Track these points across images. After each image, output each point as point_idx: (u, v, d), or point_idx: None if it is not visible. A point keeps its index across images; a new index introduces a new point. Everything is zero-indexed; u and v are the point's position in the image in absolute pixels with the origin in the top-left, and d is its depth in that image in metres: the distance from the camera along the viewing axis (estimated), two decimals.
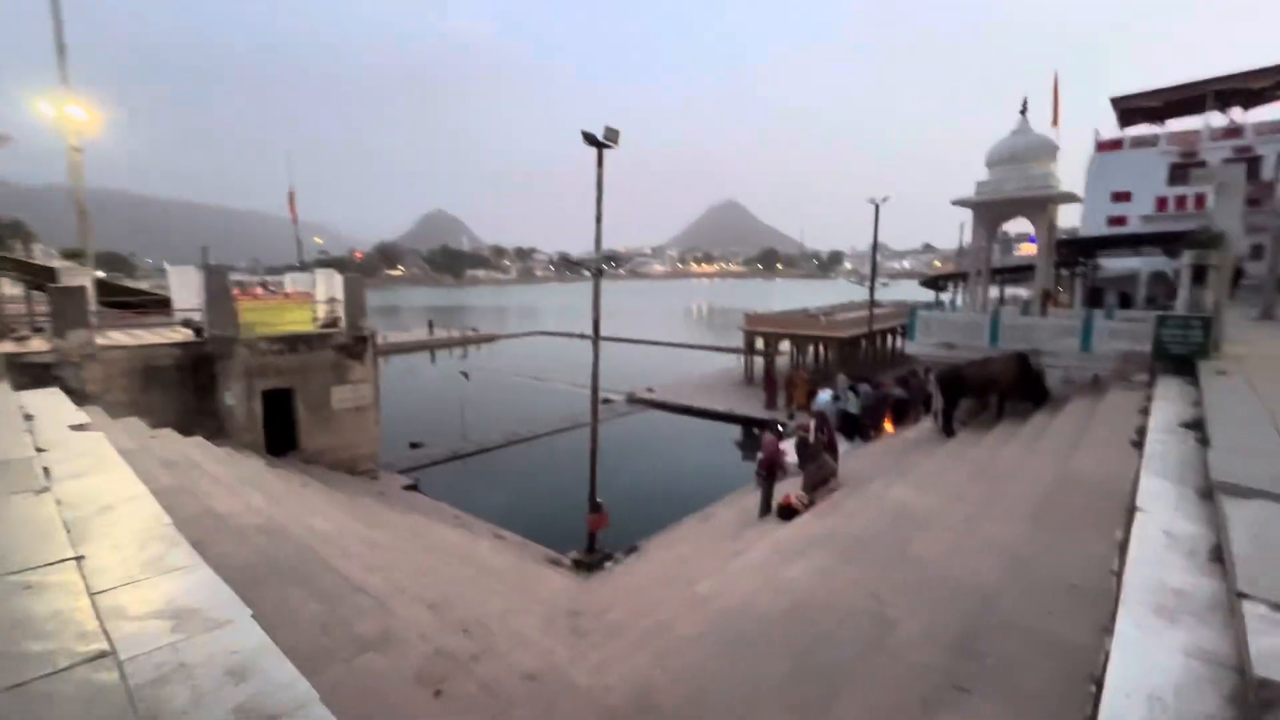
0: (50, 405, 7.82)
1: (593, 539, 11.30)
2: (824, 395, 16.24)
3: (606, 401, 25.44)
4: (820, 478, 9.50)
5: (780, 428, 10.38)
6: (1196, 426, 6.36)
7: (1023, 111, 11.73)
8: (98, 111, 17.00)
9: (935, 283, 24.10)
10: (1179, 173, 30.93)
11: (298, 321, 14.42)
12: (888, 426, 13.56)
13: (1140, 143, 31.83)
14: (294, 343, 14.05)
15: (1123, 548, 4.08)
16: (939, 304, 16.10)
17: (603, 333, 12.15)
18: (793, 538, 7.65)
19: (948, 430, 11.28)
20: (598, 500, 11.43)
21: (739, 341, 41.77)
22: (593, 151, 10.74)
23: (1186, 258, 10.00)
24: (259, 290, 16.44)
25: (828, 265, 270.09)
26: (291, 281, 17.72)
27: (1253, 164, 29.60)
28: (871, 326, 22.09)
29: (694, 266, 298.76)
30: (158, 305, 17.22)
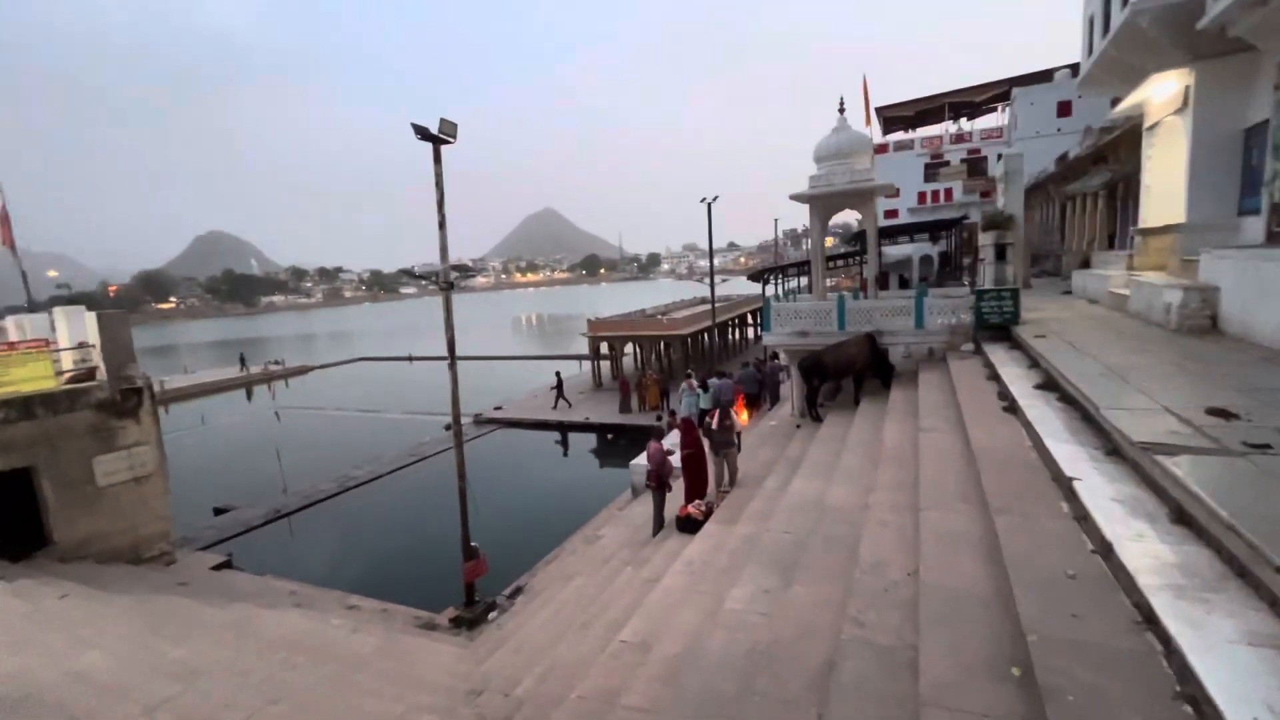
0: None
1: (470, 589, 9.85)
2: (687, 398, 16.19)
3: (449, 427, 23.32)
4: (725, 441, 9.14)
5: (663, 431, 9.82)
6: (1051, 388, 6.91)
7: (840, 110, 12.49)
8: None
9: (761, 276, 25.61)
10: (931, 171, 36.55)
11: (31, 378, 10.85)
12: (741, 417, 13.70)
13: (901, 146, 37.06)
14: (28, 407, 10.54)
15: (1081, 521, 4.02)
16: (791, 294, 16.91)
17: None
18: (706, 552, 7.10)
19: (814, 415, 11.65)
20: (472, 544, 9.98)
21: (579, 348, 41.56)
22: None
23: (987, 238, 11.25)
24: None
25: (647, 267, 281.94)
26: (17, 327, 13.44)
27: (980, 163, 35.95)
28: (715, 320, 22.70)
29: (518, 276, 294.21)
30: None
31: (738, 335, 37.28)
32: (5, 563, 9.66)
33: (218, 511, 16.51)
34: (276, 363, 45.98)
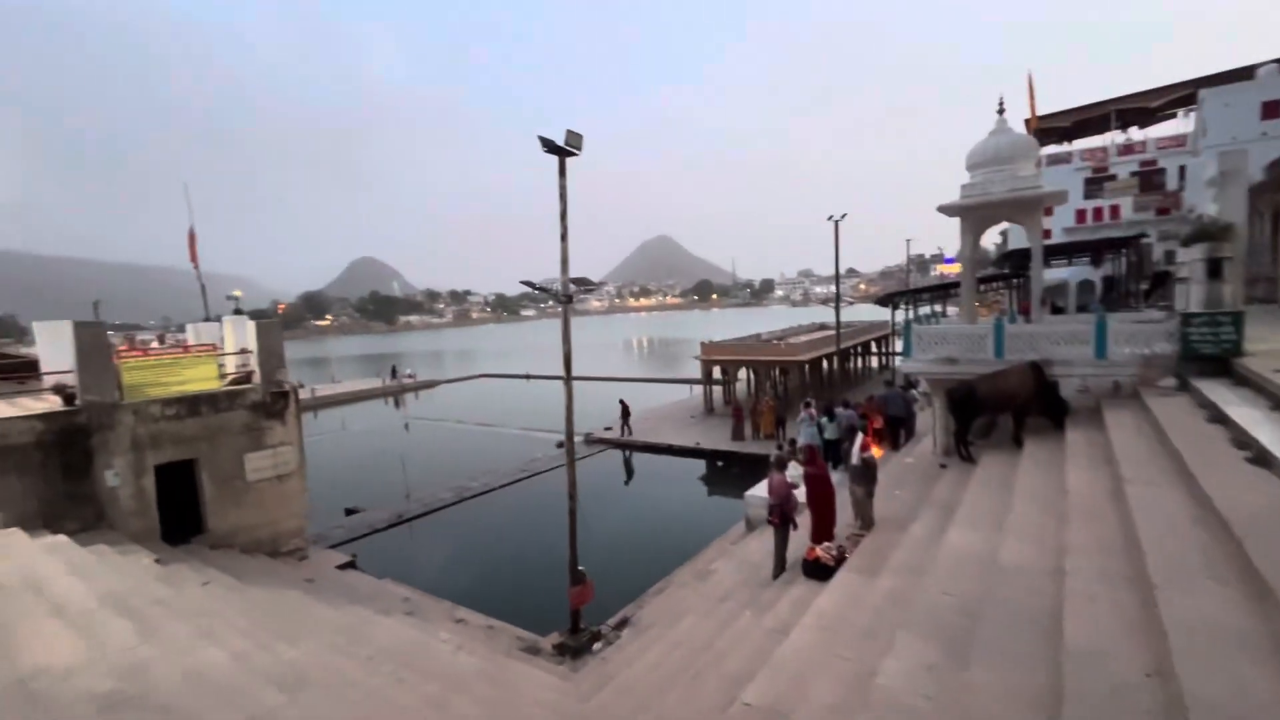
0: None
1: (576, 616, 9.40)
2: (806, 428, 15.09)
3: (561, 445, 23.52)
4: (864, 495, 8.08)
5: (784, 461, 8.90)
6: None
7: (1000, 111, 11.12)
8: None
9: (890, 300, 23.74)
10: (1093, 186, 32.51)
11: (200, 379, 12.01)
12: (875, 450, 12.31)
13: (1056, 160, 33.34)
14: (195, 404, 11.62)
15: None
16: (933, 316, 15.34)
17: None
18: (841, 606, 6.12)
19: (964, 453, 10.17)
20: (579, 569, 9.56)
21: (689, 372, 41.04)
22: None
23: (1195, 252, 9.35)
24: (153, 345, 13.85)
25: (760, 293, 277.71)
26: (194, 333, 15.15)
27: (1156, 176, 31.47)
28: (839, 345, 21.23)
29: (631, 301, 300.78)
30: (22, 370, 14.24)
31: (860, 363, 34.93)
32: (166, 546, 10.57)
33: (349, 512, 17.50)
34: (409, 376, 49.59)
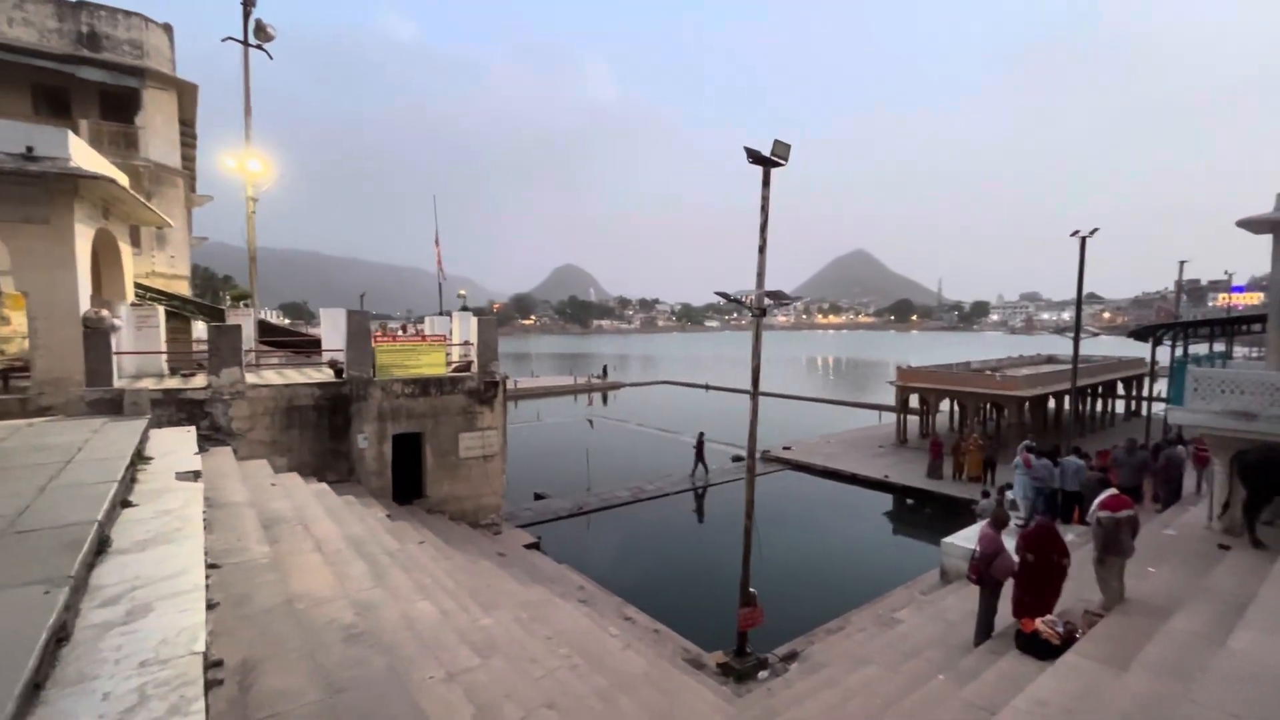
0: (174, 446, 7.22)
1: (743, 638, 9.13)
2: (1021, 477, 13.18)
3: (737, 459, 23.24)
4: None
5: (1002, 520, 7.70)
6: None
7: None
8: (272, 164, 18.36)
9: (1152, 333, 19.62)
10: None
11: (431, 364, 13.94)
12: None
13: None
14: (426, 386, 13.51)
15: None
16: (1217, 357, 12.42)
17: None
18: (1071, 698, 5.11)
19: (1254, 536, 8.00)
20: (750, 590, 9.28)
21: (879, 398, 38.09)
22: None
23: None
24: (399, 333, 16.49)
25: (970, 316, 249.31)
26: (430, 325, 17.69)
27: None
28: (1075, 383, 18.10)
29: (819, 317, 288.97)
30: (310, 346, 17.81)
31: (1102, 406, 29.48)
32: (394, 504, 12.41)
33: (537, 496, 19.07)
34: (598, 377, 52.90)
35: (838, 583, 13.40)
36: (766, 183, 8.87)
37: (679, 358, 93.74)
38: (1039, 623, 6.60)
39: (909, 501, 19.73)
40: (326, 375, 13.56)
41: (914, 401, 26.11)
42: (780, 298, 9.50)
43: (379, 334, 15.26)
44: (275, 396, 12.17)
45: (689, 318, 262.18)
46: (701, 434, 22.33)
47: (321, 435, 12.63)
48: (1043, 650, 6.31)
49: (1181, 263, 31.68)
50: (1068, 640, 6.33)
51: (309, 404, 12.50)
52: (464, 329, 15.71)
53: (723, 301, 10.52)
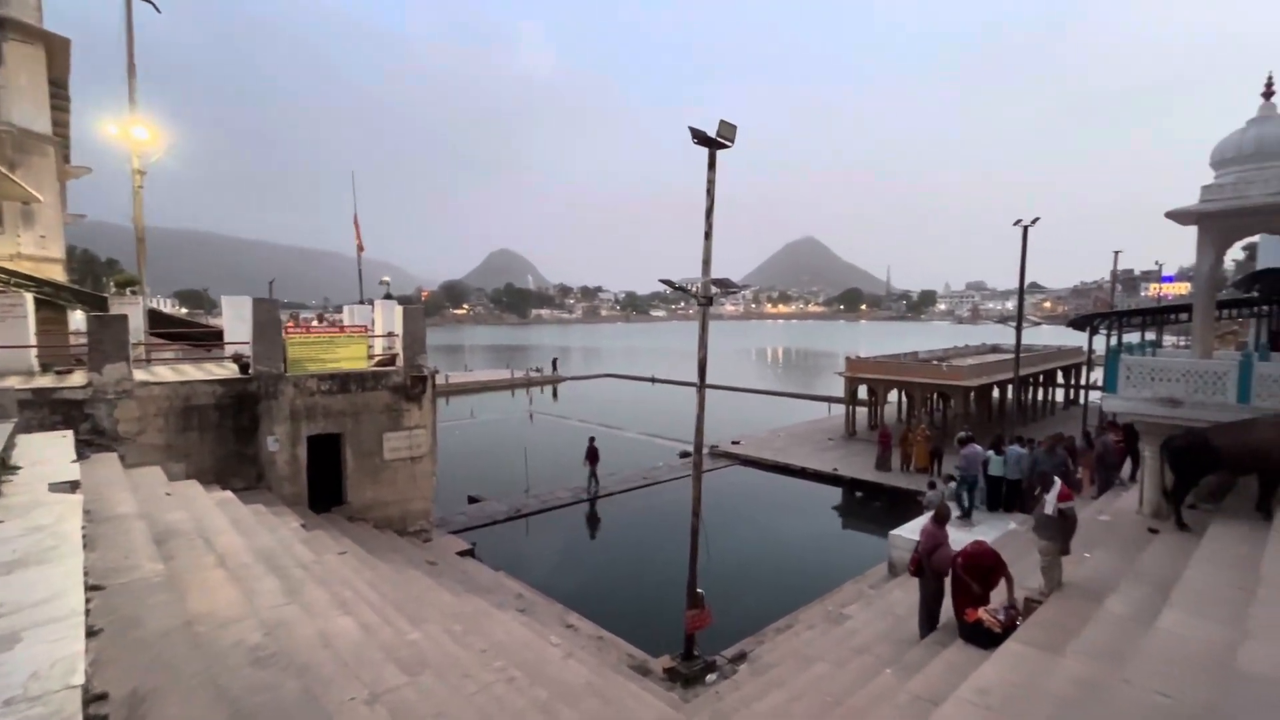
0: (47, 454, 6.71)
1: (690, 641, 9.29)
2: (984, 452, 14.00)
3: (685, 455, 23.51)
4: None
5: (944, 515, 8.11)
6: None
7: (1267, 94, 9.39)
8: (162, 132, 17.18)
9: (1088, 323, 21.04)
10: None
11: (351, 358, 13.45)
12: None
13: None
14: (345, 382, 13.03)
15: None
16: (1147, 345, 13.38)
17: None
18: (1012, 685, 5.45)
19: (1179, 519, 8.71)
20: (698, 591, 9.44)
21: (829, 389, 39.33)
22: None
23: None
24: (314, 323, 15.79)
25: (918, 306, 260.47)
26: (349, 314, 17.04)
27: None
28: (1018, 372, 19.21)
29: (769, 306, 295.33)
30: (211, 338, 16.85)
31: (1043, 395, 31.40)
32: (310, 512, 11.94)
33: (471, 500, 18.75)
34: (535, 370, 52.34)
35: (787, 580, 13.80)
36: (712, 165, 8.97)
37: (623, 349, 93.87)
38: (981, 612, 7.00)
39: (858, 494, 20.50)
40: (231, 371, 12.87)
41: (863, 393, 27.09)
42: (728, 286, 9.66)
43: (291, 324, 14.61)
44: (170, 395, 11.46)
45: (634, 307, 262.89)
46: (593, 439, 20.22)
47: (225, 438, 11.99)
48: (985, 639, 6.70)
49: (1116, 253, 34.09)
50: (1009, 628, 6.74)
51: (210, 403, 11.83)
52: (388, 319, 15.21)
53: (668, 290, 10.60)
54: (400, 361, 14.00)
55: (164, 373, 12.90)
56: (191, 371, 13.17)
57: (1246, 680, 4.25)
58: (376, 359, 14.50)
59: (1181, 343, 27.29)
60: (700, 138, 8.78)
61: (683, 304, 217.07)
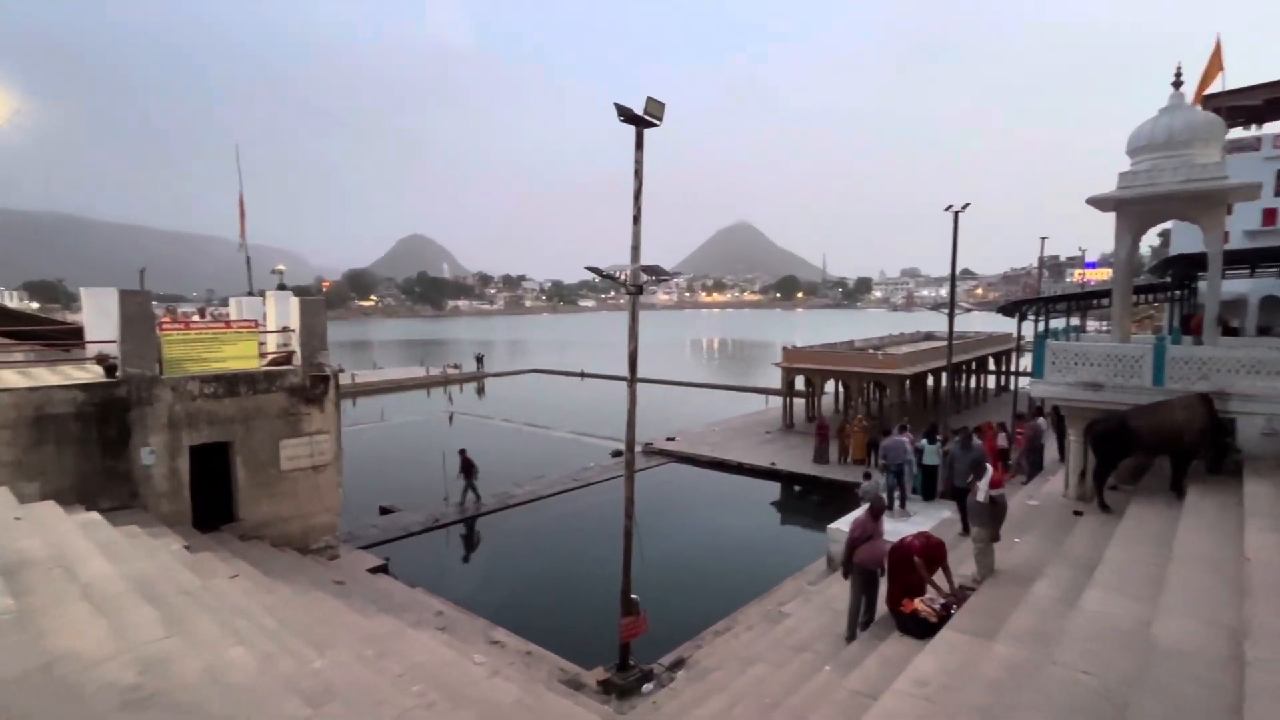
0: None
1: (625, 650, 9.37)
2: (916, 441, 14.67)
3: (617, 454, 23.61)
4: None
5: (879, 509, 8.48)
6: None
7: (1176, 84, 10.27)
8: (4, 97, 15.66)
9: (1017, 309, 22.48)
10: None
11: (240, 357, 12.72)
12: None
13: (1240, 147, 30.67)
14: (234, 384, 12.32)
15: None
16: (1071, 331, 14.41)
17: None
18: (948, 674, 5.79)
19: (1102, 501, 9.47)
20: (633, 597, 9.52)
21: (766, 380, 40.39)
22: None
23: None
24: (195, 318, 14.82)
25: (854, 293, 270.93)
26: (236, 308, 16.12)
27: None
28: (951, 360, 20.33)
29: (703, 295, 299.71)
30: (68, 337, 15.57)
31: (976, 382, 33.33)
32: (196, 532, 11.26)
33: (383, 511, 18.18)
34: (453, 367, 51.19)
35: (725, 580, 14.11)
36: (640, 145, 9.01)
37: (550, 342, 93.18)
38: (918, 603, 7.40)
39: (796, 489, 21.18)
40: (95, 374, 11.91)
41: (800, 384, 27.96)
42: (659, 273, 9.73)
43: (167, 319, 13.69)
44: (18, 404, 10.50)
45: (560, 297, 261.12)
46: (464, 450, 19.10)
47: (89, 451, 11.10)
48: (922, 629, 7.09)
49: (1043, 239, 36.54)
50: (944, 617, 7.15)
51: (69, 411, 10.92)
52: (282, 312, 14.49)
53: (597, 279, 10.59)
54: (298, 360, 13.38)
55: (10, 378, 11.81)
56: (45, 375, 12.12)
57: (1161, 653, 4.69)
58: (270, 358, 13.79)
59: (1104, 328, 29.65)
60: (627, 115, 8.78)
61: (613, 293, 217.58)
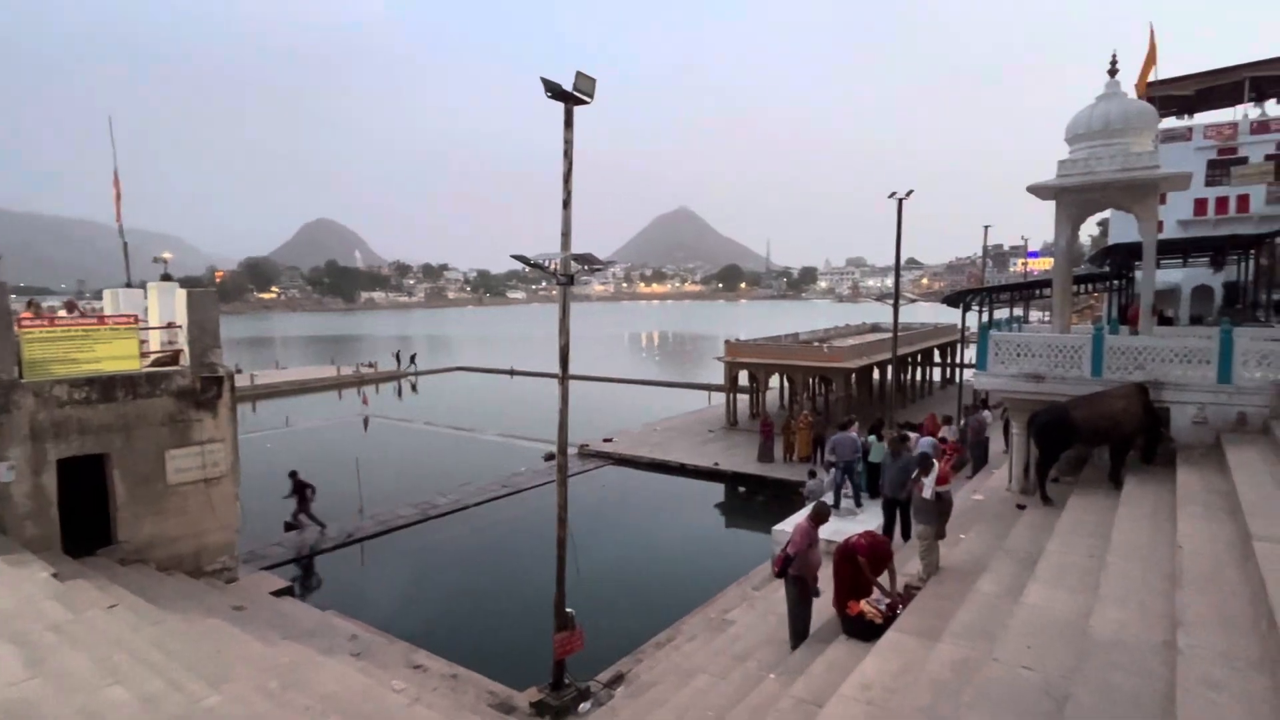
0: None
1: (560, 667, 9.34)
2: (841, 440, 15.09)
3: (549, 458, 23.49)
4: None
5: (823, 514, 8.69)
6: None
7: (1112, 71, 10.93)
8: None
9: (962, 300, 23.51)
10: (1217, 171, 32.06)
11: (117, 356, 12.01)
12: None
13: (1172, 136, 32.90)
14: (110, 387, 11.63)
15: None
16: (1013, 321, 15.16)
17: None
18: (893, 675, 6.02)
19: (1044, 494, 10.01)
20: (567, 610, 9.49)
21: (708, 376, 40.99)
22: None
23: None
24: (61, 314, 13.89)
25: (799, 283, 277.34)
26: (112, 301, 15.19)
27: None
28: (896, 352, 21.10)
29: (642, 286, 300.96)
30: None
31: (922, 375, 34.69)
32: (67, 558, 10.59)
33: (288, 527, 17.52)
34: (369, 365, 49.77)
35: (667, 589, 14.24)
36: (569, 124, 8.95)
37: (477, 337, 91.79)
38: (863, 604, 7.66)
39: (741, 489, 21.58)
40: None
41: (744, 379, 28.46)
42: (592, 262, 9.70)
43: (28, 315, 12.77)
44: None
45: (487, 288, 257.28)
46: (295, 472, 17.68)
47: None
48: (868, 631, 7.34)
49: (986, 228, 38.23)
50: (890, 618, 7.43)
51: None
52: (167, 306, 13.75)
53: (525, 269, 10.45)
54: (186, 359, 12.74)
55: None
56: None
57: (1099, 645, 5.00)
58: (153, 357, 13.08)
59: (1046, 318, 31.40)
60: (555, 91, 8.70)
61: (544, 284, 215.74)
